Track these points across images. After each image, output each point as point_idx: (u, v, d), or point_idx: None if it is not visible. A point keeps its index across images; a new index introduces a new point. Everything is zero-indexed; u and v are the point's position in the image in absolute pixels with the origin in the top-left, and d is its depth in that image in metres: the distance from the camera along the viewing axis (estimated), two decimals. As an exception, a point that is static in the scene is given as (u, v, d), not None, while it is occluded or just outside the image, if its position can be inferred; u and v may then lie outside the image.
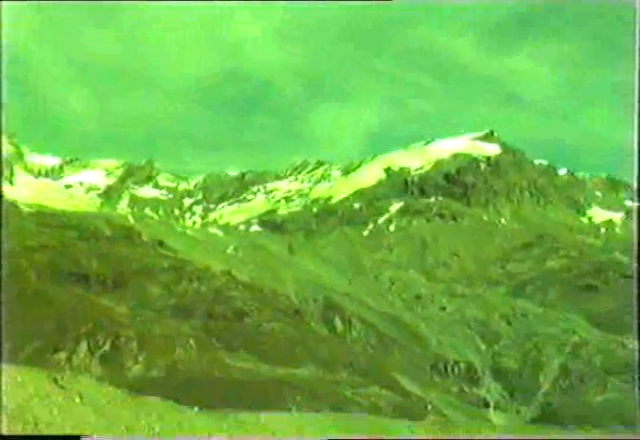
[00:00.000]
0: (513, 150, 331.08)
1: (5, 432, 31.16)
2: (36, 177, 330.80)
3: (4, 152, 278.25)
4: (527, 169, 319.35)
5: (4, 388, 33.78)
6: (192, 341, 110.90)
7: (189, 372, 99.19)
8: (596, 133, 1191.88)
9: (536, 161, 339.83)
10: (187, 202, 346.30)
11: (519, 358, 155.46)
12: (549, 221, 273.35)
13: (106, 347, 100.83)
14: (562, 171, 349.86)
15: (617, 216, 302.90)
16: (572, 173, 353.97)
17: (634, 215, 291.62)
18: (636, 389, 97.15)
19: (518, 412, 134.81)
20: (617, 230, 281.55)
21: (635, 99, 62.39)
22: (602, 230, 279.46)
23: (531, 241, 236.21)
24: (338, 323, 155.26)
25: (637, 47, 63.08)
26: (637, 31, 63.78)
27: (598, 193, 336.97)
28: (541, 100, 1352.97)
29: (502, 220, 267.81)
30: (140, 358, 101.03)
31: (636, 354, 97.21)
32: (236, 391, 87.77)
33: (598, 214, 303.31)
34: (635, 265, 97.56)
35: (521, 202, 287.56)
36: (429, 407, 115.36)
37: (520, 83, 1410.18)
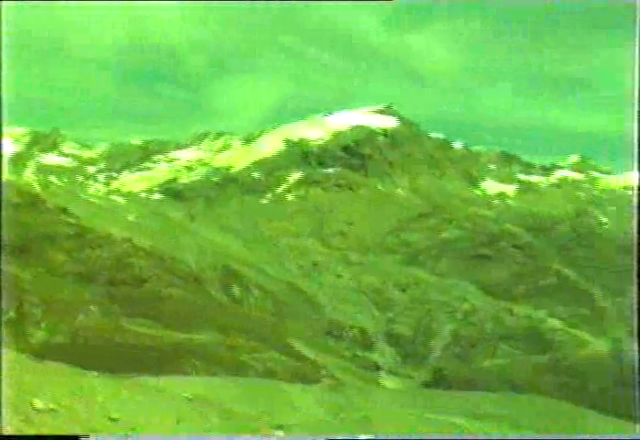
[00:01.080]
0: (409, 124, 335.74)
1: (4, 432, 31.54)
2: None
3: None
4: (423, 142, 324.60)
5: None
6: (93, 307, 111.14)
7: (91, 338, 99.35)
8: (492, 110, 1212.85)
9: (432, 135, 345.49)
10: (91, 170, 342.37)
11: (412, 325, 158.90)
12: (444, 193, 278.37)
13: (11, 314, 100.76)
14: (457, 145, 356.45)
15: (510, 189, 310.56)
16: (467, 147, 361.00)
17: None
18: (636, 389, 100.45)
19: (410, 376, 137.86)
20: (510, 202, 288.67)
21: (635, 98, 64.91)
22: (495, 202, 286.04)
23: (426, 212, 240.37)
24: (237, 290, 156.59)
25: (637, 47, 65.51)
26: (637, 31, 66.12)
27: (492, 167, 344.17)
28: (440, 77, 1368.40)
29: (399, 191, 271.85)
30: (43, 325, 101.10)
31: (636, 354, 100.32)
32: (136, 356, 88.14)
33: (491, 187, 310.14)
34: (636, 264, 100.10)
35: (417, 173, 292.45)
36: (323, 371, 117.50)
37: (420, 61, 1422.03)
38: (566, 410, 75.04)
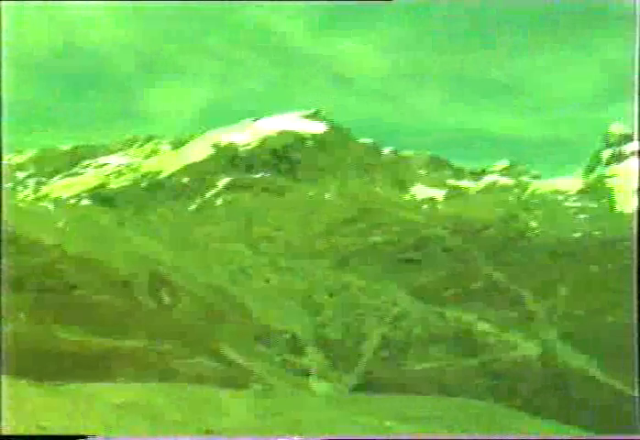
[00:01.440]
0: (338, 129, 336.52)
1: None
2: None
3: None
4: (353, 146, 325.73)
5: None
6: (23, 315, 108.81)
7: (20, 345, 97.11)
8: (421, 114, 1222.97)
9: (362, 140, 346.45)
10: (20, 175, 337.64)
11: (342, 329, 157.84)
12: (373, 197, 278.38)
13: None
14: (386, 150, 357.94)
15: (439, 194, 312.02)
16: (396, 152, 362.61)
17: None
18: (636, 389, 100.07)
19: (340, 380, 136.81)
20: (439, 207, 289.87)
21: (635, 96, 64.09)
22: (425, 207, 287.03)
23: (355, 216, 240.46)
24: (166, 295, 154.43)
25: (637, 46, 64.71)
26: (637, 31, 65.33)
27: (421, 172, 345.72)
28: (369, 82, 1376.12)
29: (327, 195, 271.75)
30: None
31: (636, 356, 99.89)
32: (66, 363, 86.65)
33: (421, 192, 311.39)
34: (636, 263, 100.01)
35: (346, 178, 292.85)
36: (253, 376, 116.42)
37: (349, 65, 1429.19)
38: (496, 412, 74.56)
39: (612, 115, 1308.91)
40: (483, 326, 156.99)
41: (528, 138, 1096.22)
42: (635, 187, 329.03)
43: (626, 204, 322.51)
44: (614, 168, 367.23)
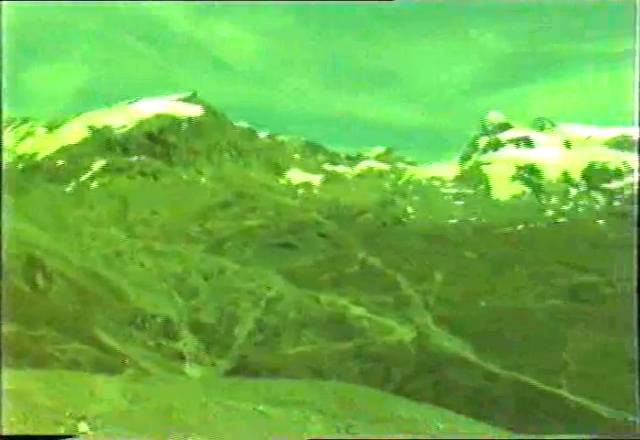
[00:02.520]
0: (214, 112, 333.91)
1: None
2: None
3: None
4: (228, 130, 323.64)
5: None
6: None
7: None
8: (298, 100, 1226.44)
9: (238, 124, 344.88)
10: None
11: (216, 313, 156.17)
12: (249, 181, 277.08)
13: None
14: (263, 134, 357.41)
15: (315, 178, 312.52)
16: (272, 136, 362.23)
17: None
18: (636, 387, 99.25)
19: (214, 364, 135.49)
20: (315, 192, 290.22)
21: (636, 95, 63.23)
22: (301, 191, 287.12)
23: (230, 200, 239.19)
24: (40, 279, 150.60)
25: (637, 46, 63.65)
26: (637, 31, 64.26)
27: (297, 156, 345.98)
28: (247, 66, 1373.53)
29: (203, 179, 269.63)
30: None
31: (636, 353, 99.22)
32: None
33: (296, 176, 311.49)
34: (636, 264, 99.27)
35: (221, 162, 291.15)
36: (127, 361, 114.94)
37: (227, 50, 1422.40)
38: (370, 396, 73.43)
39: (489, 103, 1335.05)
40: (358, 311, 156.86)
41: (405, 125, 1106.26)
42: (511, 174, 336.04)
43: (502, 191, 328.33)
44: (491, 155, 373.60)
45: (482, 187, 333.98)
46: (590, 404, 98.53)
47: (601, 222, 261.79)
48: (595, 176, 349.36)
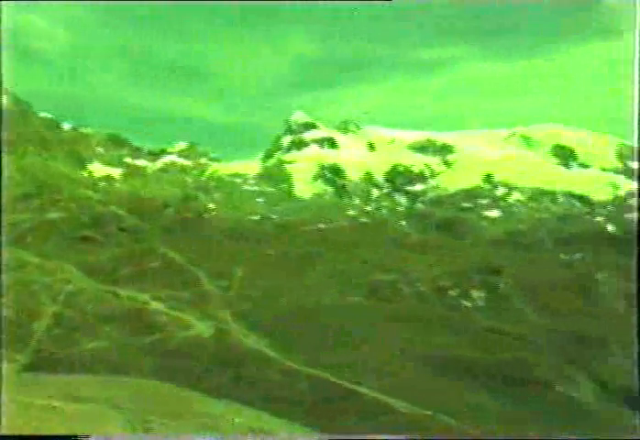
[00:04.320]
0: (19, 101, 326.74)
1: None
2: None
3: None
4: (33, 121, 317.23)
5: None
6: None
7: None
8: (104, 93, 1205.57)
9: (42, 114, 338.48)
10: None
11: (15, 307, 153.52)
12: (51, 173, 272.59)
13: None
14: (67, 126, 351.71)
15: (116, 172, 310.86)
16: (76, 128, 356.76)
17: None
18: (636, 386, 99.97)
19: (13, 360, 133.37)
20: (117, 185, 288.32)
21: (635, 95, 64.50)
22: (102, 184, 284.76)
23: (31, 192, 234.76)
24: None
25: (637, 47, 64.84)
26: (637, 32, 65.42)
27: (100, 149, 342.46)
28: (53, 57, 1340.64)
29: (5, 171, 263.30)
30: None
31: (635, 353, 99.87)
32: None
33: (98, 169, 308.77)
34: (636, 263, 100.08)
35: (23, 153, 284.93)
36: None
37: (34, 39, 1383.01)
38: (168, 391, 75.23)
39: (296, 104, 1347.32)
40: (157, 306, 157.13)
41: (211, 122, 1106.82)
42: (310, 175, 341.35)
43: (304, 190, 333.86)
44: (294, 154, 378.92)
45: (285, 185, 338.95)
46: (389, 400, 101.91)
47: (403, 223, 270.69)
48: (398, 178, 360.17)
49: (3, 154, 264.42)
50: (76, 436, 33.67)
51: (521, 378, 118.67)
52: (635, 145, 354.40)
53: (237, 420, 57.79)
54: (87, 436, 33.68)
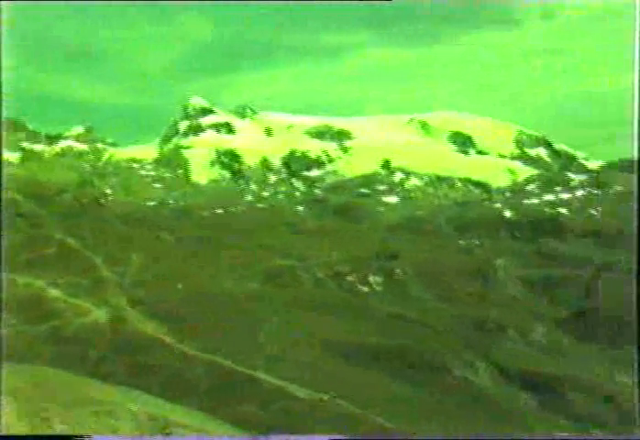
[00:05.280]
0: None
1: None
2: None
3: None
4: None
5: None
6: None
7: None
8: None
9: None
10: None
11: None
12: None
13: None
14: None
15: (14, 156, 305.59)
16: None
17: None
18: (636, 388, 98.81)
19: None
20: (14, 170, 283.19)
21: (636, 96, 64.17)
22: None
23: None
24: None
25: (637, 47, 64.35)
26: (637, 32, 64.91)
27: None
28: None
29: None
30: None
31: (636, 351, 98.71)
32: None
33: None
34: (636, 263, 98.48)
35: None
36: None
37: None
38: (65, 379, 74.48)
39: (193, 88, 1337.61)
40: (54, 292, 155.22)
41: (108, 106, 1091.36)
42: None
43: (201, 175, 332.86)
44: (191, 139, 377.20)
45: (181, 170, 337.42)
46: (286, 385, 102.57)
47: (300, 208, 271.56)
48: (295, 163, 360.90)
49: None
50: (76, 436, 33.54)
51: (420, 362, 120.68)
52: (636, 145, 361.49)
53: (134, 407, 57.68)
54: (89, 436, 33.56)
